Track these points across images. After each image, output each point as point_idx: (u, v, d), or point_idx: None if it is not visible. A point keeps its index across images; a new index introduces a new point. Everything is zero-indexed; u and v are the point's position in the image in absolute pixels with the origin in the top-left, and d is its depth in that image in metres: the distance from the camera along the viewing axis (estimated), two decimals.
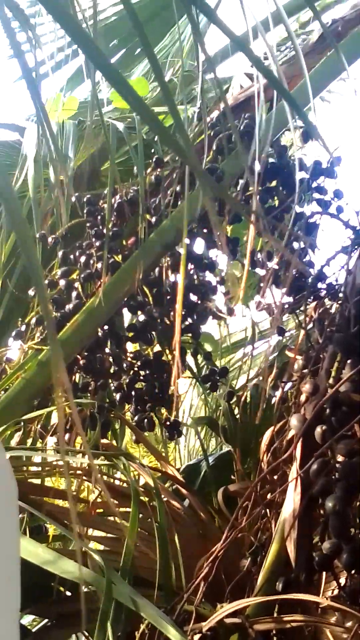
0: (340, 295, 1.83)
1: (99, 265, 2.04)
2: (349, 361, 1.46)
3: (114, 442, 2.44)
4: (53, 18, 1.30)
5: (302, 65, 1.65)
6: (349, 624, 1.42)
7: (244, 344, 3.09)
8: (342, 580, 1.48)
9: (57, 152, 1.81)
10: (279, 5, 1.66)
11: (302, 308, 1.95)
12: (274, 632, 1.41)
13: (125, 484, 2.08)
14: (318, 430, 1.46)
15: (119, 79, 1.15)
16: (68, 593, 1.79)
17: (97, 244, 2.10)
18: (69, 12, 1.50)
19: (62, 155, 2.09)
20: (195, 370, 2.53)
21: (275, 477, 1.71)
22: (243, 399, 2.39)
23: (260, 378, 2.41)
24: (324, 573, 1.54)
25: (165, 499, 1.83)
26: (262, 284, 2.22)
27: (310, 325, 1.84)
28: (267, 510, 1.65)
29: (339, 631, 1.44)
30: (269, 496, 1.66)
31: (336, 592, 1.53)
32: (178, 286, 2.22)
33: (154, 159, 2.18)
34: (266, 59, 2.13)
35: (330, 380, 1.51)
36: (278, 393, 1.94)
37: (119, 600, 1.41)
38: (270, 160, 2.15)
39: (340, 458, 1.43)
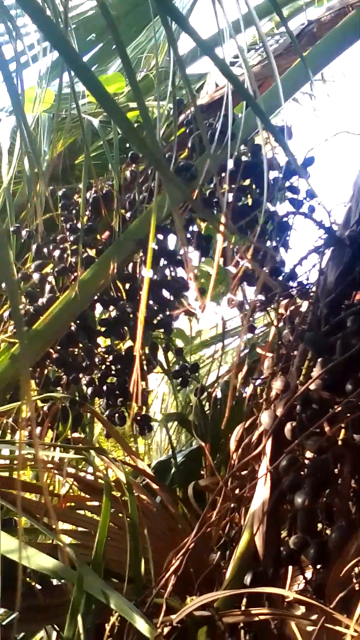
0: (312, 294, 1.86)
1: (73, 259, 2.05)
2: (319, 360, 1.48)
3: (84, 436, 2.45)
4: (26, 12, 1.30)
5: (273, 68, 1.67)
6: (314, 617, 1.45)
7: (215, 341, 3.11)
8: (308, 575, 1.51)
9: (32, 146, 1.80)
10: (251, 7, 1.69)
11: (273, 306, 1.98)
12: (241, 624, 1.43)
13: (95, 478, 2.09)
14: (288, 427, 1.48)
15: (89, 77, 1.16)
16: (38, 586, 1.80)
17: (72, 238, 2.11)
18: (41, 8, 1.50)
19: (37, 149, 2.09)
20: (166, 365, 2.54)
21: (245, 472, 1.73)
22: (214, 395, 2.40)
23: (231, 375, 2.43)
24: (291, 567, 1.57)
25: (136, 494, 1.84)
26: (233, 281, 2.24)
27: (281, 324, 1.86)
28: (237, 505, 1.67)
29: (304, 624, 1.47)
30: (238, 491, 1.69)
31: (302, 586, 1.56)
32: (149, 281, 2.23)
33: (129, 155, 2.19)
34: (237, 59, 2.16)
35: (301, 378, 1.54)
36: (248, 390, 1.96)
37: (90, 593, 1.42)
38: (244, 158, 2.17)
39: (309, 455, 1.46)
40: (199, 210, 1.79)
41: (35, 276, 2.13)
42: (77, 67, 1.23)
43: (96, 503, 2.03)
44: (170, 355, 2.49)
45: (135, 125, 2.55)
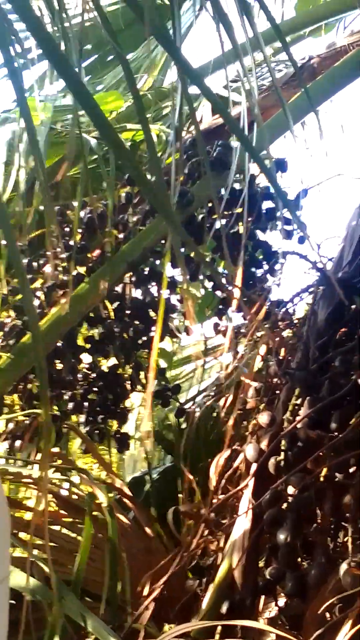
0: (297, 325, 1.90)
1: (65, 277, 2.06)
2: (307, 398, 1.52)
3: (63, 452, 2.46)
4: (27, 29, 1.31)
5: (280, 97, 1.70)
6: None
7: (195, 358, 3.13)
8: (281, 602, 1.54)
9: (37, 158, 1.81)
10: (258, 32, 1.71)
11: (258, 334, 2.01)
12: None
13: (70, 494, 2.10)
14: (272, 461, 1.51)
15: (88, 103, 1.17)
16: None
17: (63, 255, 2.12)
18: (41, 25, 1.50)
19: (41, 162, 2.10)
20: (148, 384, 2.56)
21: (223, 497, 1.76)
22: (193, 415, 2.43)
23: (211, 396, 2.46)
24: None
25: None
26: (220, 306, 2.27)
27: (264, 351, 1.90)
28: (215, 532, 1.70)
29: None
30: (217, 517, 1.72)
31: (274, 613, 1.59)
32: (137, 301, 2.26)
33: (126, 177, 2.21)
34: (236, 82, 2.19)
35: (287, 414, 1.57)
36: (227, 414, 1.99)
37: (68, 614, 1.44)
38: (237, 187, 2.20)
39: (290, 489, 1.49)
40: (188, 243, 1.82)
41: None
42: (74, 90, 1.24)
43: (70, 519, 2.05)
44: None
45: (131, 144, 2.57)
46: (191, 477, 1.99)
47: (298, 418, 1.49)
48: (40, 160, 1.96)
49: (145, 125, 1.35)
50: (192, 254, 2.28)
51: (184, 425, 2.57)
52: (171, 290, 2.25)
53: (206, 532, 1.67)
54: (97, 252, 2.21)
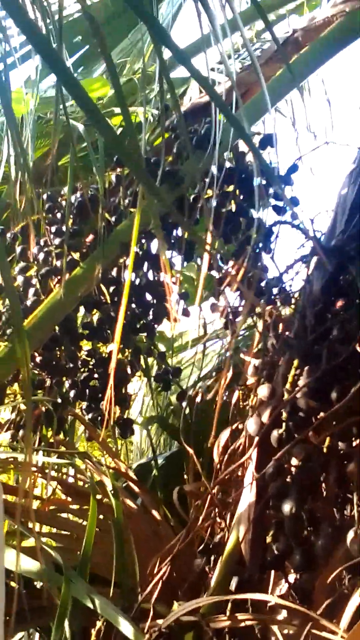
0: (295, 301, 1.88)
1: (58, 262, 2.05)
2: (306, 368, 1.50)
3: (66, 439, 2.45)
4: (10, 16, 1.30)
5: (259, 74, 1.69)
6: (296, 622, 1.47)
7: (196, 343, 3.12)
8: (291, 578, 1.53)
9: (20, 149, 1.80)
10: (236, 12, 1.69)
11: (256, 311, 2.00)
12: (226, 630, 1.45)
13: (76, 481, 2.10)
14: (275, 434, 1.50)
15: (73, 85, 1.17)
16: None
17: (56, 241, 2.10)
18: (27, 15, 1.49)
19: (24, 152, 2.08)
20: (147, 369, 2.55)
21: (229, 475, 1.75)
22: (195, 398, 2.41)
23: (213, 378, 2.45)
24: (273, 572, 1.59)
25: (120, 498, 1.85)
26: (217, 286, 2.26)
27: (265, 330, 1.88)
28: (221, 510, 1.69)
29: (288, 629, 1.49)
30: (223, 496, 1.71)
31: (285, 589, 1.58)
32: (133, 285, 2.24)
33: (115, 158, 2.19)
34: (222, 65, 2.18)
35: (287, 386, 1.56)
36: (232, 395, 1.98)
37: (77, 597, 1.43)
38: (228, 165, 2.18)
39: (294, 461, 1.48)
40: (181, 223, 1.80)
41: (20, 279, 2.12)
42: (61, 75, 1.24)
43: (77, 506, 2.04)
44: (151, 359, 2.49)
45: (120, 129, 2.56)
46: (195, 459, 1.98)
47: (297, 388, 1.48)
48: (22, 147, 1.95)
49: (124, 108, 1.35)
50: (186, 235, 2.28)
51: (187, 411, 2.56)
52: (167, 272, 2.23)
53: (212, 509, 1.65)
54: (90, 237, 2.20)
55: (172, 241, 2.21)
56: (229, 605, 1.47)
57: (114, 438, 2.72)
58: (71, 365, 2.21)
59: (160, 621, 1.41)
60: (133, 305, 2.23)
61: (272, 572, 1.59)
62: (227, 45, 2.04)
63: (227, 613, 1.45)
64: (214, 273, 2.27)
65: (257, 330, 1.93)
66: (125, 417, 2.30)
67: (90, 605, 1.41)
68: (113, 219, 2.13)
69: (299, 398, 1.47)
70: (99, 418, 2.22)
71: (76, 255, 2.13)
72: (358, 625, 1.16)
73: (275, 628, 1.50)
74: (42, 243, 2.15)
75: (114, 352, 1.69)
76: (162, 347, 2.82)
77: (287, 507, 1.37)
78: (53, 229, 2.13)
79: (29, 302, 2.06)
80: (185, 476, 2.11)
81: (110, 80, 1.39)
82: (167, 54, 2.88)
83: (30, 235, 1.96)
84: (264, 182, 2.15)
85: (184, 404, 2.42)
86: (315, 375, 1.45)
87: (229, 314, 2.10)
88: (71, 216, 2.13)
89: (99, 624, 1.59)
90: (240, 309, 2.14)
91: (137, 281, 2.23)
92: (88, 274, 2.01)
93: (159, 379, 2.36)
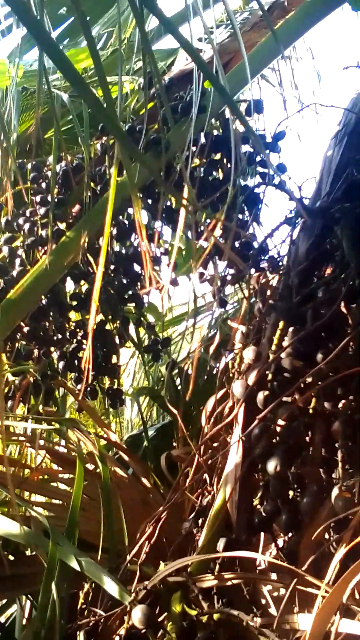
0: (282, 266, 1.87)
1: (43, 232, 2.04)
2: (290, 329, 1.50)
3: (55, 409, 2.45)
4: None
5: (240, 43, 1.68)
6: (284, 581, 1.47)
7: (186, 317, 3.12)
8: (280, 543, 1.53)
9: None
10: None
11: (244, 280, 1.99)
12: (214, 590, 1.45)
13: (68, 450, 2.10)
14: (260, 396, 1.50)
15: (57, 54, 1.16)
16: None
17: (42, 211, 2.09)
18: None
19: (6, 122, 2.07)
20: (137, 340, 2.55)
21: (217, 443, 1.75)
22: (185, 369, 2.42)
23: (202, 349, 2.44)
24: (263, 536, 1.59)
25: (108, 465, 1.85)
26: (205, 255, 2.25)
27: (253, 298, 1.88)
28: (209, 474, 1.69)
29: (276, 588, 1.49)
30: (210, 461, 1.71)
31: (274, 553, 1.58)
32: (121, 255, 2.24)
33: (99, 127, 2.17)
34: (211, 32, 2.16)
35: (273, 348, 1.55)
36: (219, 362, 1.97)
37: (64, 560, 1.43)
38: (216, 132, 2.17)
39: (280, 423, 1.48)
40: (163, 186, 1.79)
41: (5, 249, 2.11)
42: (44, 43, 1.23)
43: (68, 475, 2.05)
44: (142, 330, 2.49)
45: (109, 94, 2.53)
46: (183, 426, 1.98)
47: (282, 349, 1.47)
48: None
49: (103, 80, 1.35)
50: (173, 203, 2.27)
51: (178, 382, 2.56)
52: (154, 242, 2.22)
53: (199, 473, 1.66)
54: (76, 207, 2.19)
55: (162, 213, 2.20)
56: (217, 566, 1.47)
57: (106, 410, 2.72)
58: (59, 336, 2.20)
59: (147, 582, 1.41)
60: (121, 276, 2.22)
61: (262, 535, 1.60)
62: (217, 12, 2.03)
63: (215, 573, 1.45)
64: (204, 243, 2.26)
65: (244, 296, 1.93)
66: (115, 387, 2.30)
67: (77, 567, 1.41)
68: (98, 188, 2.12)
69: (283, 358, 1.47)
70: (89, 389, 2.22)
71: (62, 225, 2.12)
72: (342, 579, 1.16)
73: (264, 590, 1.50)
74: (27, 213, 2.14)
75: (91, 319, 1.67)
76: (151, 319, 2.81)
77: (271, 466, 1.37)
78: (38, 198, 2.11)
79: (14, 273, 2.05)
80: (175, 445, 2.12)
81: (90, 53, 1.38)
82: (154, 22, 2.87)
83: (9, 205, 1.95)
84: (251, 149, 2.14)
85: (173, 374, 2.43)
86: (300, 335, 1.45)
87: (217, 282, 2.10)
88: (56, 186, 2.12)
89: (86, 586, 1.59)
90: (229, 277, 2.14)
91: (124, 251, 2.23)
92: (74, 244, 2.00)
93: (149, 349, 2.36)
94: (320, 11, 2.13)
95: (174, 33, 1.45)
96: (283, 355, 1.47)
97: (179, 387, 2.49)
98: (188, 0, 1.70)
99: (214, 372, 2.27)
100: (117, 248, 2.25)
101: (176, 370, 2.62)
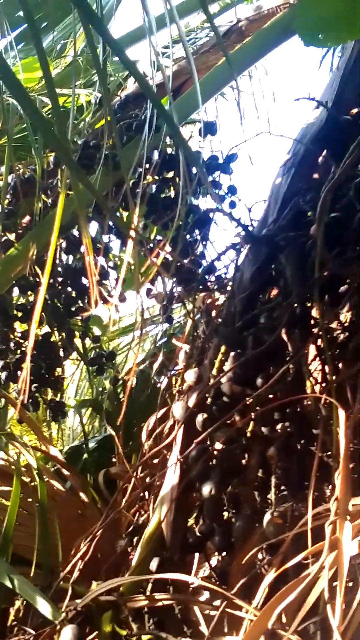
0: (228, 288, 1.90)
1: None
2: (231, 354, 1.52)
3: None
4: None
5: (192, 69, 1.71)
6: (217, 603, 1.49)
7: (133, 329, 3.12)
8: (213, 562, 1.55)
9: None
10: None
11: (190, 298, 2.01)
12: (146, 609, 1.46)
13: (5, 463, 2.09)
14: (199, 418, 1.51)
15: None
16: None
17: None
18: None
19: None
20: (84, 351, 2.54)
21: (156, 461, 1.76)
22: (129, 383, 2.42)
23: (147, 364, 2.46)
24: (197, 555, 1.61)
25: (46, 480, 1.85)
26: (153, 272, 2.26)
27: (198, 316, 1.90)
28: (146, 492, 1.70)
29: (208, 609, 1.51)
30: (148, 479, 1.72)
31: (207, 573, 1.60)
32: (70, 268, 2.24)
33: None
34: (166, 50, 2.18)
35: (214, 371, 1.57)
36: (163, 379, 1.99)
37: None
38: (169, 150, 2.19)
39: (218, 446, 1.50)
40: (106, 210, 1.81)
41: None
42: None
43: (7, 488, 2.03)
44: (87, 341, 2.49)
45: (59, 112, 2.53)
46: (125, 443, 1.99)
47: (222, 374, 1.50)
48: None
49: (53, 95, 1.36)
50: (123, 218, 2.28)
51: (122, 396, 2.57)
52: (104, 256, 2.23)
53: (136, 491, 1.67)
54: (26, 218, 2.18)
55: (109, 229, 2.21)
56: (149, 585, 1.48)
57: (48, 422, 2.71)
58: (3, 346, 2.19)
59: (78, 601, 1.41)
60: (68, 289, 2.23)
61: (196, 555, 1.61)
62: (174, 32, 2.05)
63: (147, 593, 1.46)
64: (154, 259, 2.28)
65: (189, 316, 1.95)
66: (57, 400, 2.30)
67: (9, 585, 1.41)
68: (50, 201, 2.12)
69: (223, 383, 1.49)
70: (30, 400, 2.22)
71: (11, 236, 2.12)
72: (268, 605, 1.18)
73: (197, 610, 1.52)
74: None
75: (32, 329, 1.67)
76: (97, 332, 2.82)
77: (206, 490, 1.39)
78: None
79: None
80: (115, 460, 2.12)
81: (41, 66, 1.37)
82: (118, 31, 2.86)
83: None
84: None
85: (117, 388, 2.44)
86: (240, 361, 1.47)
87: (164, 299, 2.11)
88: (7, 196, 2.11)
89: (18, 603, 1.59)
90: (176, 295, 2.16)
91: (73, 265, 2.23)
92: (23, 255, 2.00)
93: (93, 362, 2.36)
94: (276, 39, 2.17)
95: (121, 56, 1.47)
96: (223, 379, 1.49)
97: (122, 400, 2.50)
98: (141, 21, 1.72)
99: (158, 385, 2.28)
100: (66, 260, 2.25)
101: (121, 382, 2.62)
